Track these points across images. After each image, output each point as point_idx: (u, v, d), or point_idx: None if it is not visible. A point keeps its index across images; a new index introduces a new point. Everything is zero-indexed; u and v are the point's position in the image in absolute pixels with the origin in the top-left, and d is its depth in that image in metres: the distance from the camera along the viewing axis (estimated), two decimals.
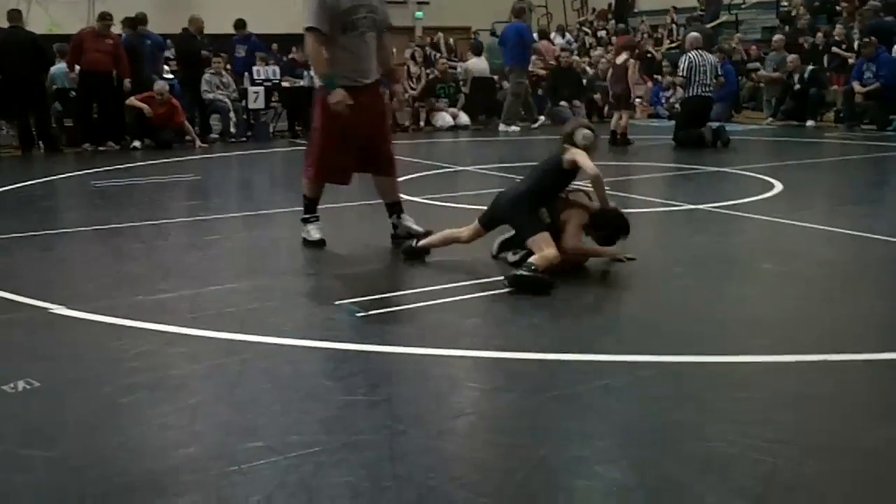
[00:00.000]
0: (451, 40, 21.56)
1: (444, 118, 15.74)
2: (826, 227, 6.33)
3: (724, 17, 20.94)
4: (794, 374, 3.56)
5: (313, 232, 6.07)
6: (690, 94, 12.26)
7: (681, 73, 12.41)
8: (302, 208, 6.21)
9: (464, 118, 15.94)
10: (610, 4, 24.75)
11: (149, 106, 12.78)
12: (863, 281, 5.16)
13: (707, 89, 12.13)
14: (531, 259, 4.90)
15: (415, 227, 6.13)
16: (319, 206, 6.22)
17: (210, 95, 13.93)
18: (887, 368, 3.63)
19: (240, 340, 3.99)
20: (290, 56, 16.79)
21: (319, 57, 5.73)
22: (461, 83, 16.36)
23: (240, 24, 15.36)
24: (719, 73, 12.63)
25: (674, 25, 22.10)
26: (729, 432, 2.96)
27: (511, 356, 3.78)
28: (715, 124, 12.55)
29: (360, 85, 5.80)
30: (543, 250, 4.92)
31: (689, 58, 12.24)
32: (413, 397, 3.34)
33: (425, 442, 2.92)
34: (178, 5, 19.71)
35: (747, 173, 9.18)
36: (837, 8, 18.51)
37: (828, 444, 2.88)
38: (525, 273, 4.74)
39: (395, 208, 6.25)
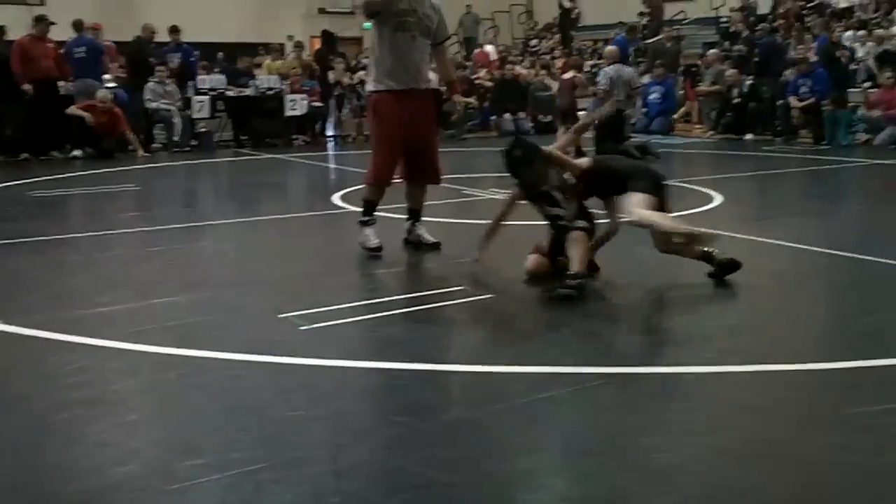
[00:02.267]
0: None
1: None
2: (765, 239, 6.43)
3: (665, 33, 21.21)
4: (734, 384, 3.60)
5: (372, 238, 5.93)
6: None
7: (602, 87, 12.57)
8: (360, 211, 6.09)
9: None
10: (555, 18, 24.97)
11: (90, 114, 12.57)
12: (801, 292, 5.25)
13: (620, 104, 12.29)
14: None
15: (427, 236, 6.15)
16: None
17: (154, 104, 13.75)
18: (824, 378, 3.68)
19: (180, 355, 3.92)
20: (236, 65, 16.64)
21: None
22: None
23: (173, 29, 15.04)
24: (633, 86, 12.77)
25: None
26: (672, 442, 2.98)
27: (457, 369, 3.77)
28: (639, 139, 12.80)
29: (408, 89, 5.81)
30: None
31: (609, 73, 12.40)
32: (357, 412, 3.31)
33: (370, 457, 2.89)
34: (122, 11, 19.52)
35: (688, 186, 9.29)
36: (775, 25, 18.90)
37: (769, 453, 2.91)
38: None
39: (415, 215, 6.23)
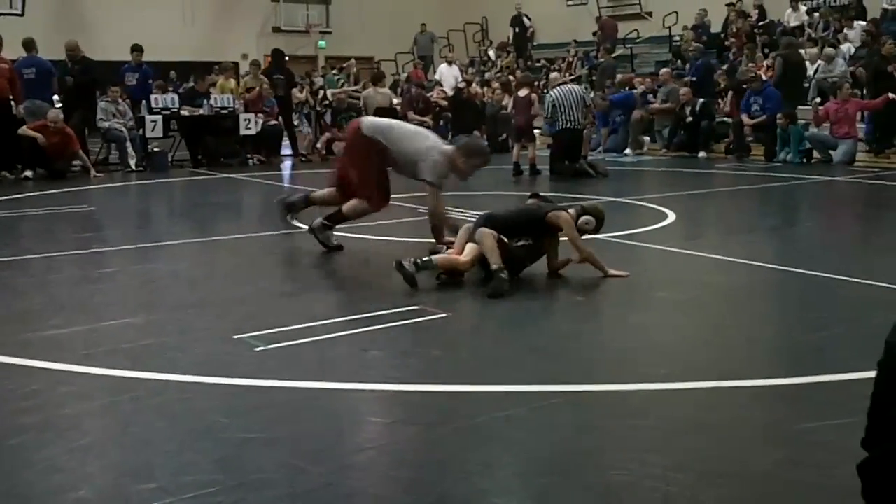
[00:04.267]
0: (354, 70, 21.63)
1: None
2: (717, 256, 6.52)
3: (619, 51, 21.51)
4: (689, 402, 3.64)
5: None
6: (559, 128, 12.53)
7: (545, 114, 12.64)
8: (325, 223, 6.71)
9: None
10: (509, 37, 25.17)
11: (42, 134, 12.43)
12: (752, 308, 5.33)
13: (574, 123, 12.35)
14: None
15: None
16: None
17: (106, 124, 13.62)
18: (776, 394, 3.75)
19: (134, 378, 3.88)
20: (190, 84, 16.53)
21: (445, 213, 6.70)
22: (362, 112, 16.35)
23: (136, 48, 14.89)
24: (587, 103, 12.84)
25: (573, 58, 22.61)
26: (627, 460, 3.01)
27: (412, 388, 3.77)
28: (592, 157, 13.00)
29: None
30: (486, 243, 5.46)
31: (552, 96, 12.51)
32: (313, 433, 3.30)
33: (326, 479, 2.89)
34: (75, 31, 19.30)
35: (642, 203, 9.40)
36: (727, 44, 19.23)
37: (721, 470, 2.95)
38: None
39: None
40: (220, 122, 14.74)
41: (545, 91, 19.44)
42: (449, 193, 10.95)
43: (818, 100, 14.46)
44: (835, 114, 13.59)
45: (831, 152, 13.63)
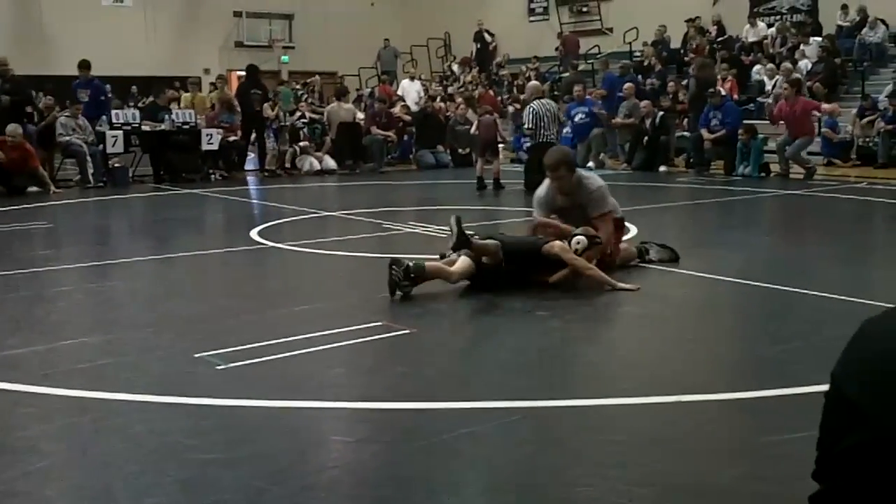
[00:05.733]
0: (318, 86, 21.61)
1: (311, 163, 15.67)
2: (679, 270, 6.56)
3: (581, 66, 21.67)
4: (651, 416, 3.66)
5: None
6: (537, 142, 12.45)
7: (527, 125, 12.55)
8: None
9: (330, 163, 15.91)
10: (472, 52, 25.27)
11: (0, 151, 12.26)
12: (713, 322, 5.37)
13: (550, 136, 12.29)
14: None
15: None
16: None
17: (66, 139, 13.47)
18: (736, 408, 3.77)
19: (93, 398, 3.82)
20: (152, 98, 16.37)
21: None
22: (326, 127, 16.33)
23: (84, 64, 14.57)
24: (561, 119, 12.85)
25: (532, 73, 22.73)
26: (591, 475, 3.01)
27: (376, 406, 3.75)
28: None
29: None
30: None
31: (533, 108, 12.41)
32: (276, 453, 3.26)
33: (289, 500, 2.86)
34: (34, 45, 19.13)
35: None
36: (686, 59, 19.45)
37: (684, 484, 2.97)
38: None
39: None
40: (181, 137, 14.64)
41: (506, 105, 19.58)
42: (413, 209, 11.01)
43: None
44: (786, 114, 13.77)
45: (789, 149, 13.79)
